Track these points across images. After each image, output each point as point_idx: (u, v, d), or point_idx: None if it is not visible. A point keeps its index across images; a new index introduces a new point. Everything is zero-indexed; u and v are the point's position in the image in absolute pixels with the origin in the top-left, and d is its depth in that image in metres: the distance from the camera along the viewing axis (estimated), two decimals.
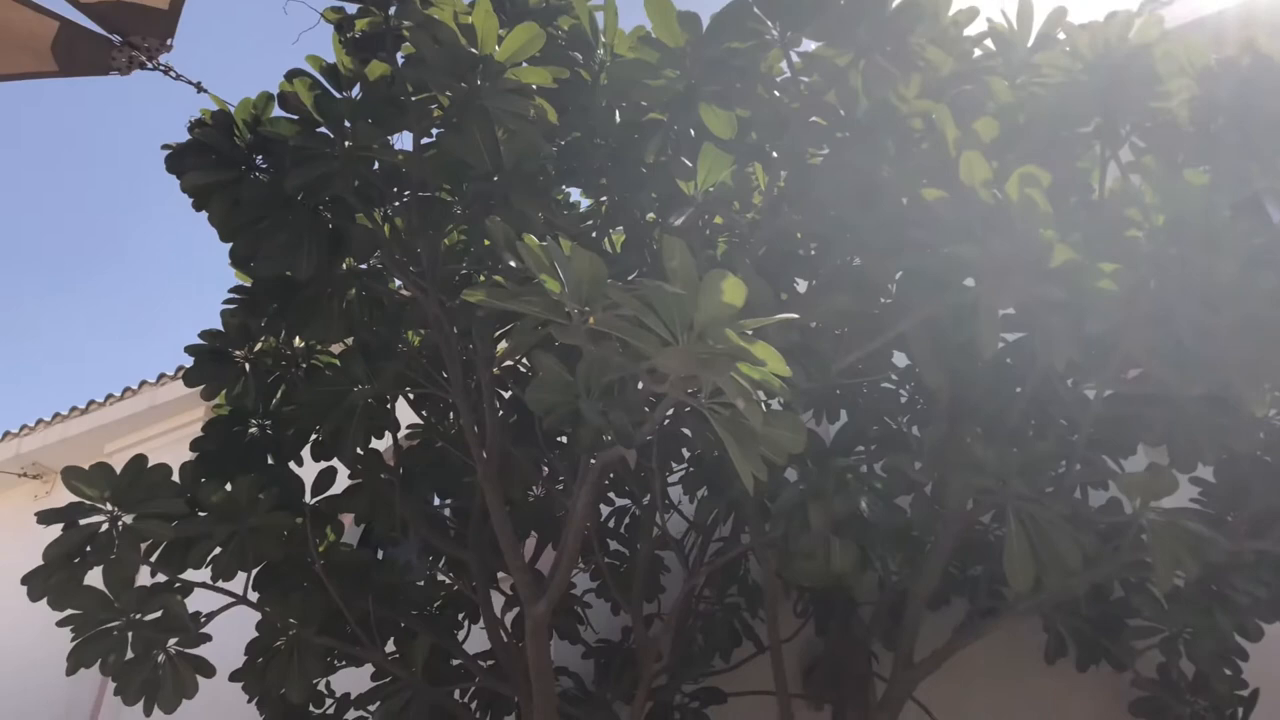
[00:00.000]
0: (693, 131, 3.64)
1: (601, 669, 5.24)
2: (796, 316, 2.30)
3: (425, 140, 3.89)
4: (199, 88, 4.06)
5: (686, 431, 4.72)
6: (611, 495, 5.22)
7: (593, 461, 3.62)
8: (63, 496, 3.98)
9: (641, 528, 4.85)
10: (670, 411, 3.84)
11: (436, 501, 5.35)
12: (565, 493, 4.85)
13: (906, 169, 3.27)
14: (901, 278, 3.42)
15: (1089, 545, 3.15)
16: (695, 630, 5.06)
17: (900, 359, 4.53)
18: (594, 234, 4.50)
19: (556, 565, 3.95)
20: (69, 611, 3.96)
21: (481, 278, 4.39)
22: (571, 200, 4.90)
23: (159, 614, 4.07)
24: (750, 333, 2.11)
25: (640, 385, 2.87)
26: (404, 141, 3.93)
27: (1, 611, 9.08)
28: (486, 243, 4.24)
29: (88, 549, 3.91)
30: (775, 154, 3.73)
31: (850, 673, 4.88)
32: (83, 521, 3.89)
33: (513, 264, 2.91)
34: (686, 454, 4.89)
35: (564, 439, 4.95)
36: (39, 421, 9.72)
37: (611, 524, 5.30)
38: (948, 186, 2.85)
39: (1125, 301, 2.72)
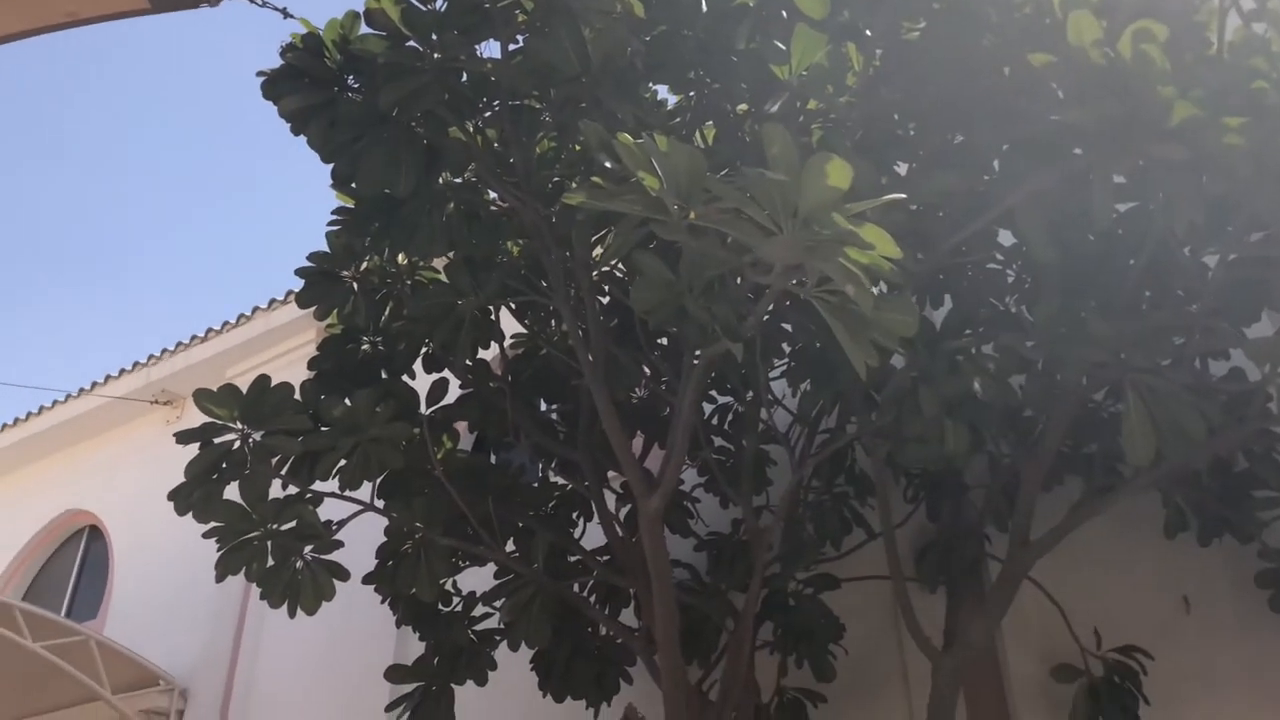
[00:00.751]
0: (784, 14, 3.53)
1: (714, 560, 5.37)
2: (903, 196, 2.25)
3: (512, 47, 3.87)
4: (285, 13, 4.11)
5: (787, 326, 4.71)
6: (713, 393, 5.27)
7: (696, 359, 3.66)
8: (192, 420, 4.22)
9: (746, 423, 4.90)
10: (770, 306, 3.83)
11: (544, 407, 5.49)
12: (669, 391, 4.92)
13: (1009, 36, 3.13)
14: (1007, 151, 3.30)
15: (1212, 415, 3.07)
16: (805, 520, 5.12)
17: (1006, 237, 4.40)
18: (684, 130, 4.45)
19: (666, 461, 4.04)
20: (213, 524, 4.24)
21: (573, 185, 4.40)
22: (658, 99, 4.83)
23: (293, 523, 4.32)
24: (856, 216, 2.08)
25: (742, 279, 2.86)
26: (491, 50, 3.93)
27: (145, 529, 9.75)
28: (577, 147, 4.24)
29: (223, 465, 4.16)
30: (869, 32, 3.60)
31: (963, 555, 4.90)
32: (217, 440, 4.13)
33: (608, 165, 2.91)
34: (788, 348, 4.89)
35: (665, 340, 5.00)
36: (164, 351, 10.23)
37: (715, 421, 5.36)
38: (1055, 50, 2.73)
39: (1252, 158, 2.57)
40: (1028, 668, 4.97)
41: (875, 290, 2.18)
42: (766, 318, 4.32)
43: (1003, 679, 5.04)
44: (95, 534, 10.77)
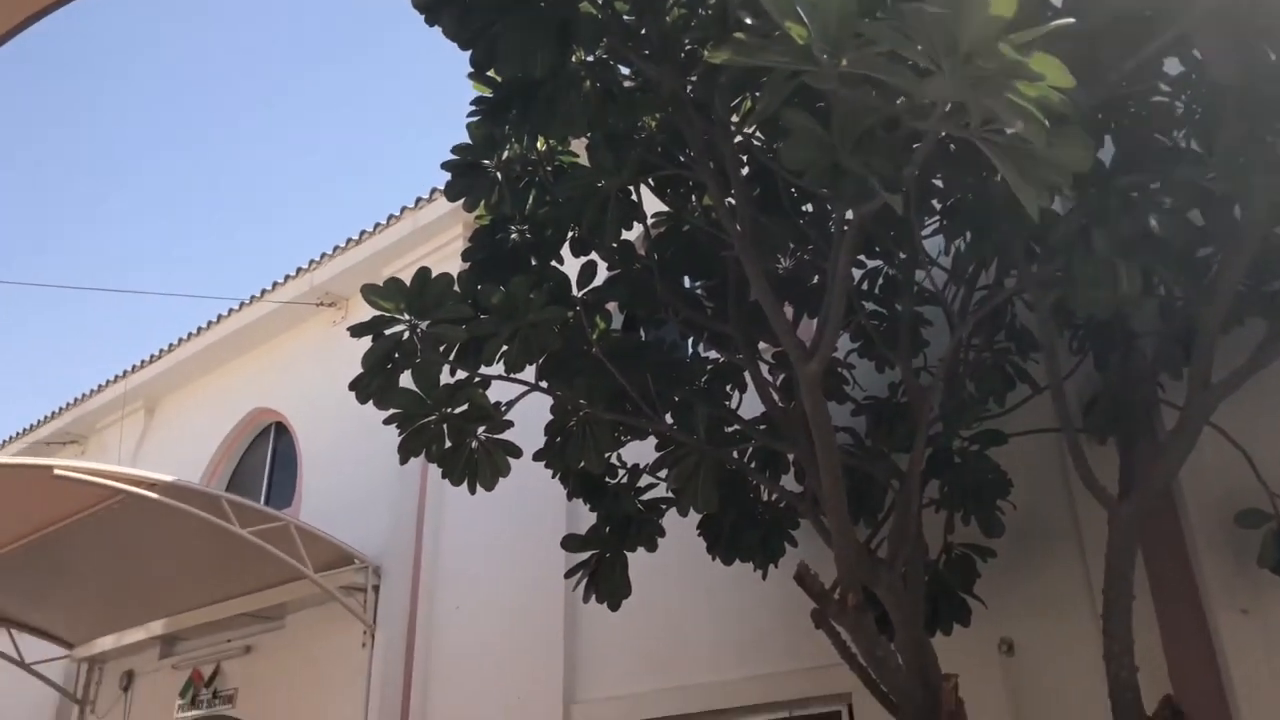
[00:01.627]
0: None
1: (873, 424, 5.36)
2: (1072, 21, 2.11)
3: None
4: None
5: (938, 182, 4.54)
6: (862, 258, 5.16)
7: (848, 220, 3.58)
8: (357, 318, 4.43)
9: (900, 284, 4.80)
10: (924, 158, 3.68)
11: (690, 283, 5.51)
12: (817, 256, 4.85)
13: None
14: None
15: None
16: (965, 379, 5.03)
17: (1172, 66, 4.07)
18: None
19: (821, 326, 4.01)
20: (392, 411, 4.50)
21: (705, 52, 4.30)
22: None
23: (465, 406, 4.53)
24: (1023, 46, 1.96)
25: (898, 128, 2.76)
26: None
27: (324, 422, 10.42)
28: (709, 11, 4.11)
29: (396, 355, 4.38)
30: None
31: (1135, 404, 4.73)
32: (387, 332, 4.34)
33: (749, 21, 2.82)
34: (938, 205, 4.72)
35: (810, 206, 4.90)
36: (322, 255, 10.72)
37: (864, 287, 5.27)
38: None
39: None
40: (1208, 514, 4.82)
41: (1045, 124, 2.07)
42: (917, 173, 4.17)
43: (1182, 527, 4.91)
44: (281, 429, 11.60)
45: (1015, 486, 4.99)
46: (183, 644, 10.75)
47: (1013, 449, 5.01)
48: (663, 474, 5.04)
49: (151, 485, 7.62)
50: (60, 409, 13.64)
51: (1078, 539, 5.23)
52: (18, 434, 14.33)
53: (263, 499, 11.07)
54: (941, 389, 4.71)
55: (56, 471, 7.23)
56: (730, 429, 5.22)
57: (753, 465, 5.28)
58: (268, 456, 11.70)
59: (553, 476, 5.29)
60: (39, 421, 14.00)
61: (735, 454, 5.15)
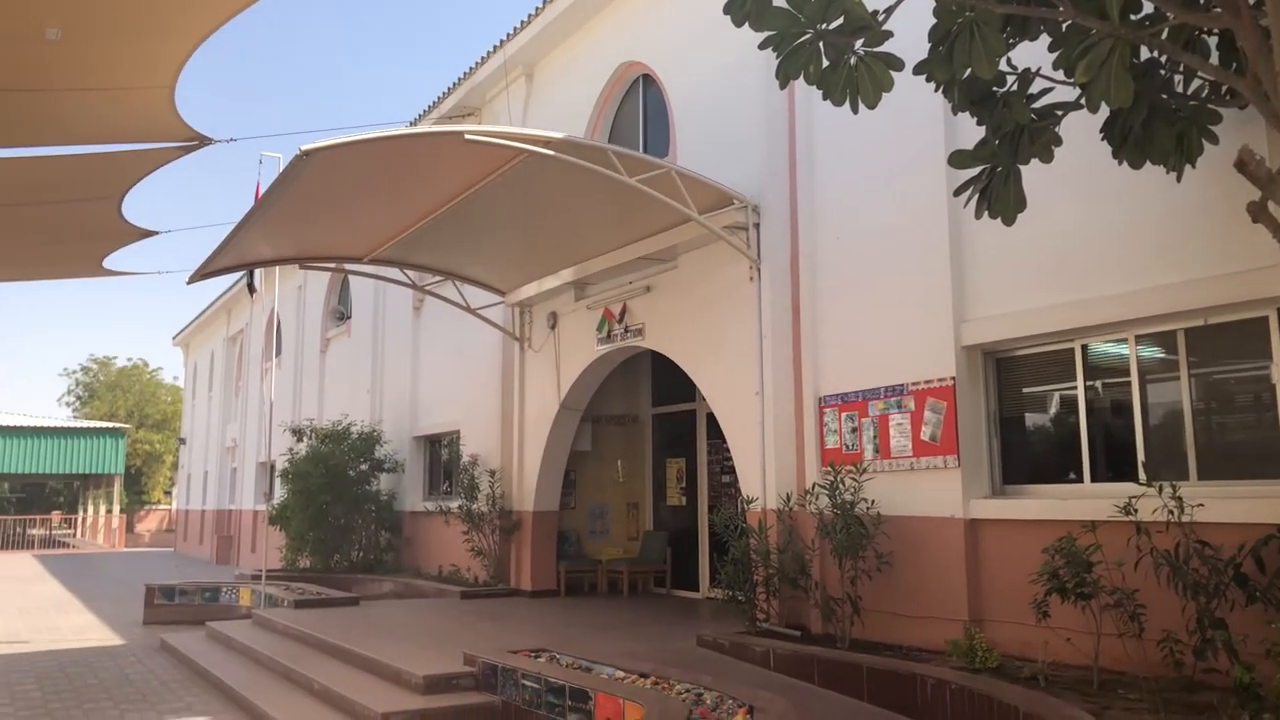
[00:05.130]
0: None
1: None
2: None
3: None
4: None
5: None
6: None
7: None
8: None
9: None
10: None
11: None
12: None
13: None
14: None
15: None
16: None
17: None
18: None
19: None
20: (766, 35, 4.41)
21: None
22: None
23: (841, 19, 4.33)
24: None
25: None
26: None
27: (690, 71, 10.49)
28: None
29: None
30: None
31: None
32: None
33: None
34: None
35: None
36: None
37: None
38: None
39: None
40: None
41: None
42: None
43: None
44: (649, 82, 11.89)
45: None
46: (592, 287, 12.05)
47: None
48: (1059, 75, 4.58)
49: (547, 143, 8.24)
50: (453, 84, 14.86)
51: None
52: (423, 112, 15.92)
53: (641, 150, 11.63)
54: None
55: (467, 136, 8.01)
56: (1139, 15, 4.56)
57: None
58: (640, 109, 12.14)
59: (935, 90, 5.01)
60: (438, 99, 15.42)
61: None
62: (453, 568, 14.34)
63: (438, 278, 13.24)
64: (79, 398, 55.76)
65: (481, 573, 13.49)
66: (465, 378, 15.11)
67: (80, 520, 45.45)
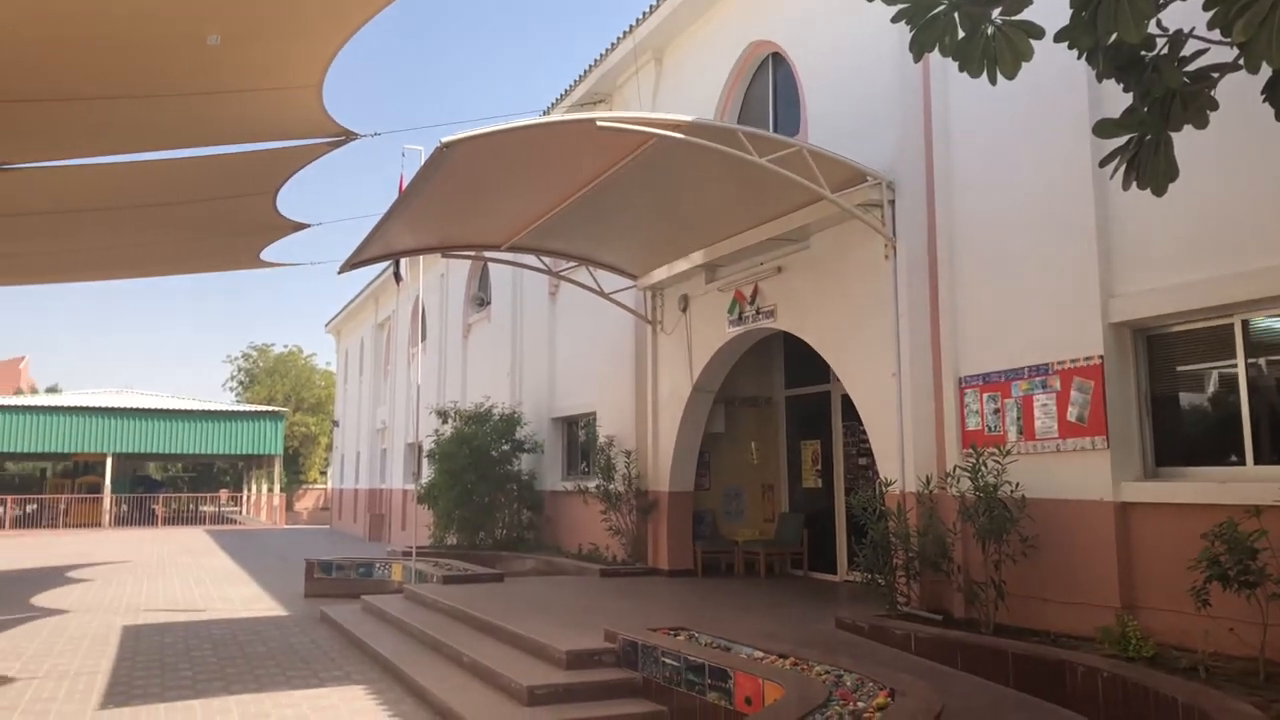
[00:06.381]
0: None
1: None
2: None
3: None
4: None
5: None
6: None
7: None
8: None
9: None
10: None
11: None
12: None
13: None
14: None
15: None
16: None
17: None
18: None
19: None
20: (899, 8, 4.34)
21: None
22: None
23: None
24: None
25: None
26: None
27: (819, 48, 10.33)
28: None
29: None
30: None
31: None
32: None
33: None
34: None
35: None
36: None
37: None
38: None
39: None
40: None
41: None
42: None
43: None
44: (778, 60, 11.78)
45: None
46: (722, 270, 12.06)
47: None
48: (1214, 35, 4.34)
49: (677, 126, 8.28)
50: (584, 72, 15.07)
51: None
52: (555, 101, 16.20)
53: (770, 130, 11.55)
54: None
55: (598, 123, 8.12)
56: None
57: None
58: (769, 89, 12.04)
59: (1079, 57, 4.81)
60: (569, 88, 15.66)
61: None
62: (592, 546, 14.66)
63: (572, 263, 13.51)
64: (241, 383, 59.37)
65: (619, 551, 13.75)
66: (599, 360, 15.38)
67: (245, 498, 48.48)
